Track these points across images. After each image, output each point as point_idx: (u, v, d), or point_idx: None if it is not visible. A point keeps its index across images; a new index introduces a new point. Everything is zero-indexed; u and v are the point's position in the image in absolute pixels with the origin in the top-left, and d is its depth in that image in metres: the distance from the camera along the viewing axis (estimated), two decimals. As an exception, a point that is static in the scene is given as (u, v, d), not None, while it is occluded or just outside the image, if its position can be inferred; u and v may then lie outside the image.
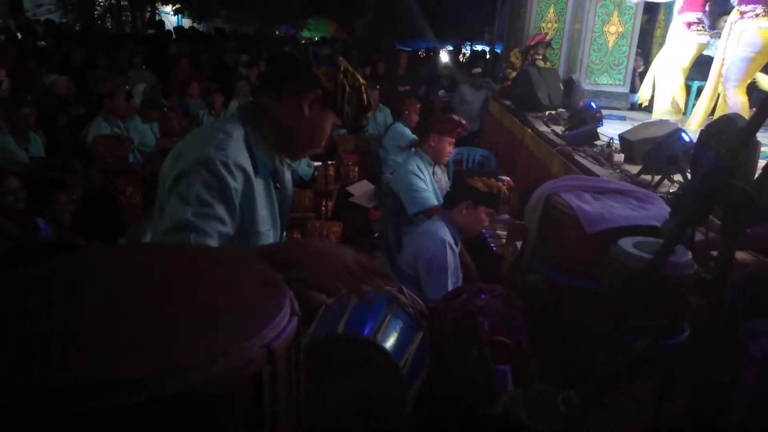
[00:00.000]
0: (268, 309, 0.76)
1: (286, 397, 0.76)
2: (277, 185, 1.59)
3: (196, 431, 0.65)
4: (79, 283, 0.80)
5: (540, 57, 6.70)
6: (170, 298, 0.77)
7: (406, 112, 5.66)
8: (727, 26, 4.39)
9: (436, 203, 3.11)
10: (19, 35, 10.03)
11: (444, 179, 3.44)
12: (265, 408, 0.71)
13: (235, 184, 1.40)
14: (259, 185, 1.49)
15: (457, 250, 2.65)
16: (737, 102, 4.23)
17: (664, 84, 5.07)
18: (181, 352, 0.64)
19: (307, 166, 4.45)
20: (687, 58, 4.96)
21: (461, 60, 11.86)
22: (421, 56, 12.40)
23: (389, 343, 1.53)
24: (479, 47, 15.65)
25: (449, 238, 2.59)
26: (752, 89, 4.54)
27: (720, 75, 4.46)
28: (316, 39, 15.74)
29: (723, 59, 4.35)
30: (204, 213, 1.34)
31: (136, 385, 0.58)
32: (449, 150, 3.34)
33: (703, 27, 4.86)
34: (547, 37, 6.99)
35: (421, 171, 3.18)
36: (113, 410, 0.56)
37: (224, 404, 0.66)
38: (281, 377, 0.73)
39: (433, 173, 3.29)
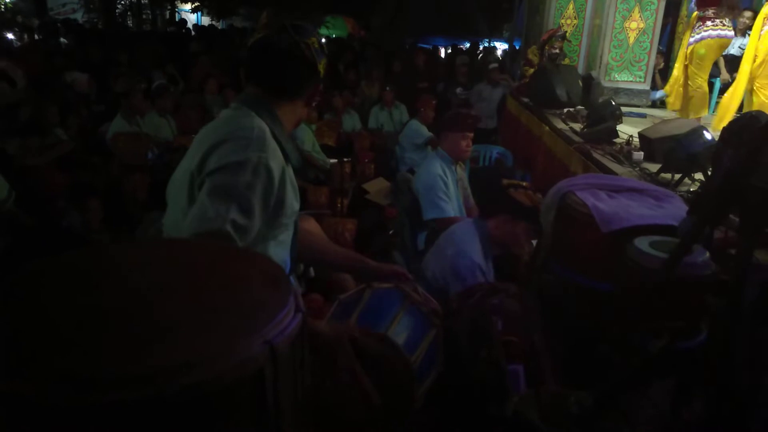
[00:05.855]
0: (272, 305, 0.76)
1: (290, 394, 0.76)
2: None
3: (200, 427, 0.65)
4: (89, 280, 0.81)
5: (557, 51, 6.56)
6: (176, 294, 0.77)
7: (422, 109, 5.62)
8: (757, 23, 4.29)
9: (453, 215, 2.95)
10: (37, 36, 10.19)
11: (465, 179, 3.33)
12: (269, 405, 0.71)
13: (276, 183, 1.42)
14: (290, 175, 1.52)
15: (490, 267, 2.37)
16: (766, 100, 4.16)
17: (687, 81, 4.99)
18: (184, 348, 0.64)
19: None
20: (708, 54, 4.86)
21: (478, 57, 11.78)
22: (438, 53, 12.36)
23: (401, 338, 1.53)
24: (496, 44, 15.53)
25: (480, 257, 2.31)
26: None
27: (750, 72, 4.36)
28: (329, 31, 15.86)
29: (755, 56, 4.26)
30: (243, 225, 1.32)
31: (142, 379, 0.58)
32: (465, 146, 3.13)
33: (722, 22, 4.72)
34: (561, 30, 6.85)
35: (445, 173, 3.02)
36: (120, 404, 0.57)
37: (227, 400, 0.66)
38: (284, 374, 0.73)
39: (455, 172, 3.20)
